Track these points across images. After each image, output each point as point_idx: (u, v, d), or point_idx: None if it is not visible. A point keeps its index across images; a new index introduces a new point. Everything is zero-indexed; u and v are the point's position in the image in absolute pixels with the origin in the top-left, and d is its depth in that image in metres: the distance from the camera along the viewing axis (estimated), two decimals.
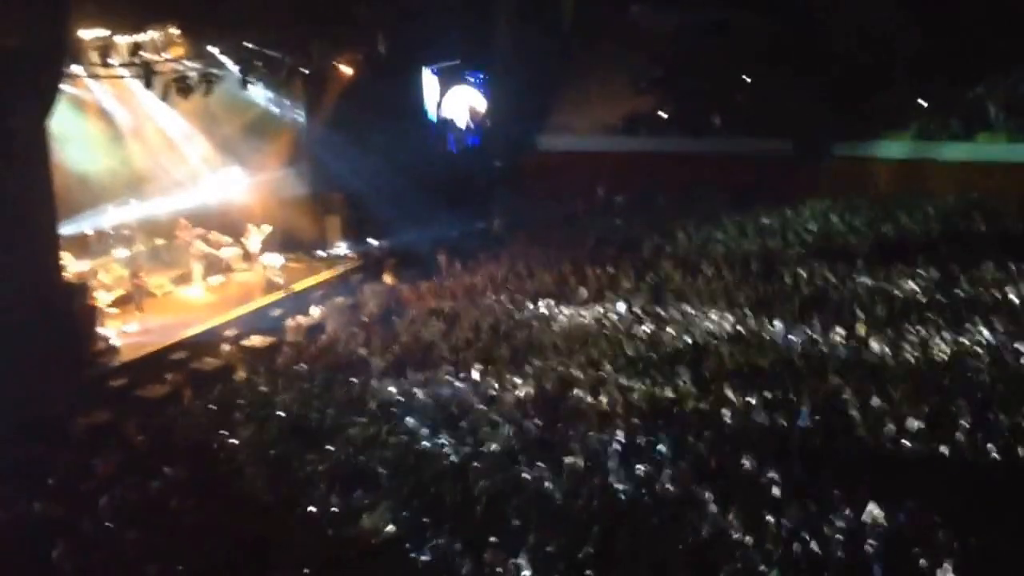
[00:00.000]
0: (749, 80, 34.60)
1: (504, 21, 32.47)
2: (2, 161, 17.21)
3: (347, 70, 26.76)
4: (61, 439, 16.73)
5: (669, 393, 17.00)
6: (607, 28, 35.41)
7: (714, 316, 20.62)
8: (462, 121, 33.34)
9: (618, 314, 21.23)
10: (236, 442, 16.37)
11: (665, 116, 34.73)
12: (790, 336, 19.27)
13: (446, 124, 32.61)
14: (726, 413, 16.03)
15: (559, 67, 34.40)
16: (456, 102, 33.02)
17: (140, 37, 21.06)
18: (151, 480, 15.06)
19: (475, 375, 18.44)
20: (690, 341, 19.39)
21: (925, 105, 31.89)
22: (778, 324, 19.85)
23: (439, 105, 32.05)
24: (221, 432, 16.75)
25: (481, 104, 33.73)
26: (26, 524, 14.16)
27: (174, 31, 22.17)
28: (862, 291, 21.71)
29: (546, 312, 21.79)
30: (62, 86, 19.63)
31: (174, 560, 12.83)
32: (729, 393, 16.67)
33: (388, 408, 17.30)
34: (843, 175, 31.11)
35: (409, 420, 16.64)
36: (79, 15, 18.65)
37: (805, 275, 22.85)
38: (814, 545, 12.12)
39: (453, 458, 15.18)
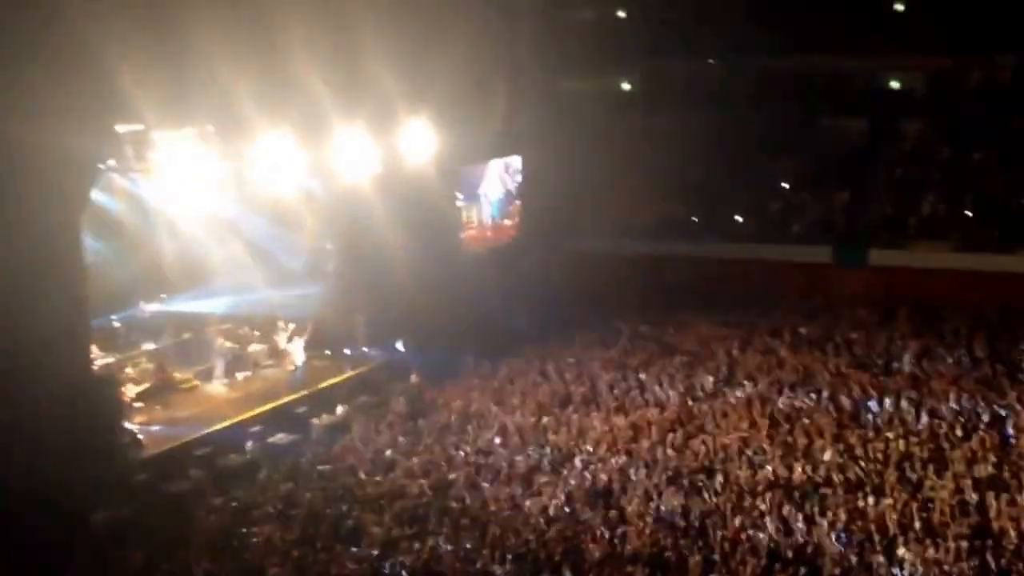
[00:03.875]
0: (786, 186, 34.72)
1: (532, 120, 32.72)
2: (38, 255, 17.27)
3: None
4: (84, 532, 16.52)
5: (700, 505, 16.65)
6: (641, 130, 35.60)
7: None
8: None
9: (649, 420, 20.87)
10: (258, 540, 16.16)
11: (696, 220, 34.71)
12: None
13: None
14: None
15: (590, 167, 34.48)
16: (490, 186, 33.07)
17: (177, 133, 21.22)
18: None
19: (498, 481, 18.16)
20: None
21: (969, 215, 31.64)
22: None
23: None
24: (244, 530, 16.55)
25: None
26: None
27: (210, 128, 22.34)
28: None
29: (574, 417, 21.45)
30: (98, 180, 19.89)
31: None
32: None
33: (412, 510, 17.04)
34: (881, 283, 30.70)
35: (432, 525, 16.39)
36: (120, 110, 18.84)
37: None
38: None
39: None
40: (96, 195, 21.13)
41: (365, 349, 27.12)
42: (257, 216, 25.57)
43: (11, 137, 16.53)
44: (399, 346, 27.25)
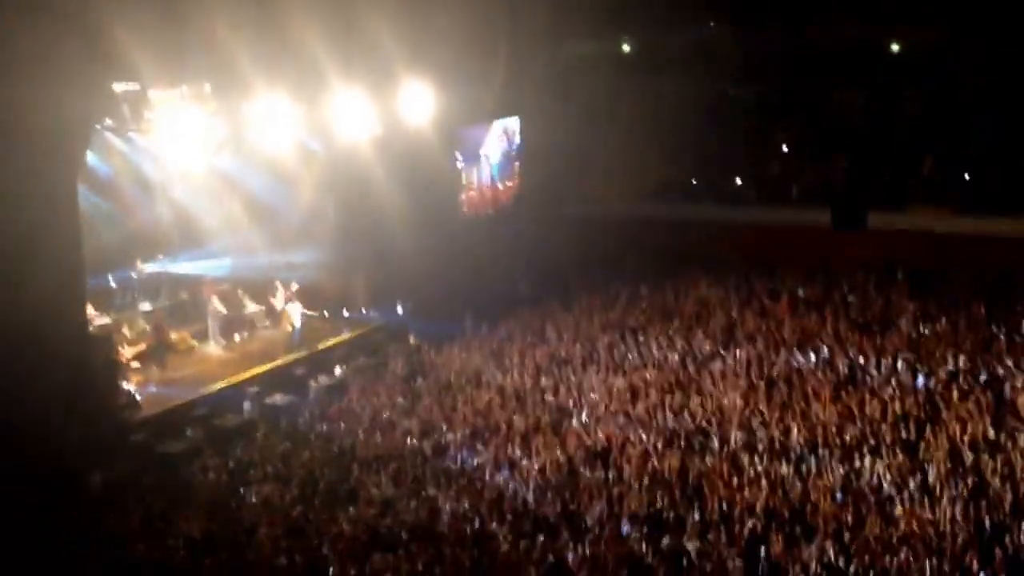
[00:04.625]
0: (785, 149, 34.62)
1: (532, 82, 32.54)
2: (34, 214, 17.19)
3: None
4: (79, 494, 16.55)
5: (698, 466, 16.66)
6: (642, 94, 35.41)
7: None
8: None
9: (648, 381, 20.86)
10: (256, 500, 16.18)
11: (696, 184, 34.62)
12: None
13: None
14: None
15: (590, 130, 34.30)
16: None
17: (173, 92, 21.05)
18: (169, 538, 14.87)
19: (496, 441, 18.17)
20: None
21: (967, 178, 31.55)
22: None
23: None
24: (241, 490, 16.58)
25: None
26: None
27: (207, 87, 22.17)
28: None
29: (572, 378, 21.44)
30: (93, 139, 19.77)
31: None
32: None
33: (410, 471, 17.06)
34: (880, 247, 30.61)
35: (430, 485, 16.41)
36: (115, 69, 18.69)
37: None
38: None
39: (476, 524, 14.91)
40: (92, 155, 21.03)
41: (364, 311, 27.13)
42: (256, 175, 25.40)
43: (5, 98, 16.41)
44: (398, 308, 27.24)
